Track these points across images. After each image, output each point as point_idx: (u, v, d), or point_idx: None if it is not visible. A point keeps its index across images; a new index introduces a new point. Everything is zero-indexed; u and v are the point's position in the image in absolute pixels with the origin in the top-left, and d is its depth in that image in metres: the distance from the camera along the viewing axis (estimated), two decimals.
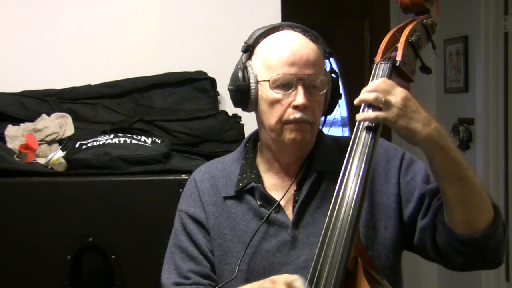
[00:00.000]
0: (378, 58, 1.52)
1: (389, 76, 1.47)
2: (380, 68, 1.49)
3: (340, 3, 4.76)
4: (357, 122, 1.46)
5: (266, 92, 1.54)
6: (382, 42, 1.55)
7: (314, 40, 1.59)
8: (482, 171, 4.25)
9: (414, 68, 1.56)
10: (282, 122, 1.53)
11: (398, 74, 1.51)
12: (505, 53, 4.16)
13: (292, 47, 1.54)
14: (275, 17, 2.70)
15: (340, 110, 4.91)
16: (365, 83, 1.50)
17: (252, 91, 1.56)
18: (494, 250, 1.48)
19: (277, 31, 1.60)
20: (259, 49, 1.59)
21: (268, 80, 1.53)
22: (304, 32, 1.60)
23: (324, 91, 1.57)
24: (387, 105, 1.38)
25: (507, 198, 4.22)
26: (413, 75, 1.55)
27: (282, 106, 1.52)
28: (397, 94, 1.39)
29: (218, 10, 2.76)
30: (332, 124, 4.89)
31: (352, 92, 4.78)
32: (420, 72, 1.59)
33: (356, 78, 4.74)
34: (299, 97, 1.51)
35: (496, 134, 4.19)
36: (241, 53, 1.62)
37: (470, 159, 4.31)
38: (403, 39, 1.52)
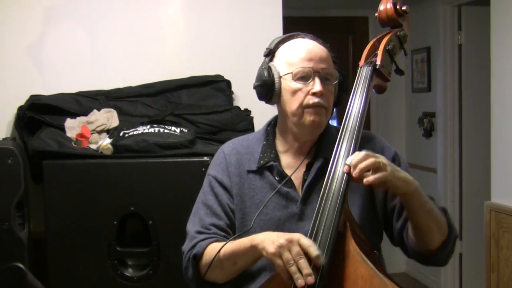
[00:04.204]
0: (361, 62, 1.50)
1: (371, 77, 1.44)
2: (364, 70, 1.46)
3: (329, 21, 4.73)
4: (344, 117, 1.43)
5: (288, 84, 1.49)
6: (365, 49, 1.53)
7: (323, 44, 1.55)
8: (442, 154, 4.26)
9: (390, 71, 1.54)
10: (303, 107, 1.47)
11: (377, 75, 1.49)
12: (459, 61, 4.18)
13: (307, 47, 1.50)
14: (277, 34, 2.66)
15: None
16: (349, 85, 1.47)
17: (276, 85, 1.50)
18: (441, 260, 1.48)
19: (293, 38, 1.55)
20: (279, 52, 1.53)
21: (291, 73, 1.48)
22: (315, 39, 1.56)
23: (335, 82, 1.51)
24: (382, 166, 1.31)
25: (461, 175, 4.23)
26: (389, 76, 1.52)
27: (302, 94, 1.47)
28: (383, 158, 1.33)
29: (233, 28, 2.72)
30: None
31: None
32: (393, 75, 1.56)
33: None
34: (317, 85, 1.46)
35: (452, 125, 4.23)
36: (263, 57, 1.56)
37: (432, 145, 4.34)
38: (381, 47, 1.49)
